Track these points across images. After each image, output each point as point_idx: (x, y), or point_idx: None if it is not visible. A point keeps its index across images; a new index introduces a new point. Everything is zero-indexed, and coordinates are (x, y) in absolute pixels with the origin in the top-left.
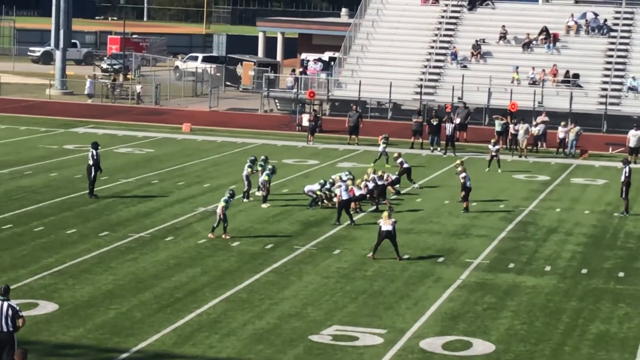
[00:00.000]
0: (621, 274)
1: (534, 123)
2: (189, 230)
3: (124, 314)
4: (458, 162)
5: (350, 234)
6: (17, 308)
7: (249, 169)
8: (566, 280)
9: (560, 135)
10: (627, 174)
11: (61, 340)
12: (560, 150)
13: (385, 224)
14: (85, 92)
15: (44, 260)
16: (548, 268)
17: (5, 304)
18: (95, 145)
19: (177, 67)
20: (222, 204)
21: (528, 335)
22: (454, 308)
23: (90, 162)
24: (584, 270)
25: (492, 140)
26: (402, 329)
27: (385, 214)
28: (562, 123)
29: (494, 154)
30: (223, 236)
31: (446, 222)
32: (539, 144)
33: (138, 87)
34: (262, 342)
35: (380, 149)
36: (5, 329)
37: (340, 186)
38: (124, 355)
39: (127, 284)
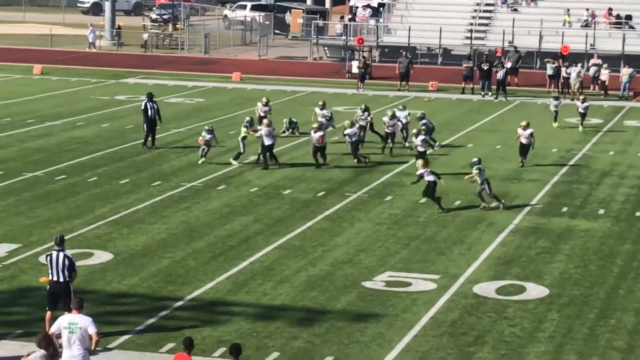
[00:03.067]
0: None
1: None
2: (241, 179)
3: (178, 262)
4: (419, 162)
5: (402, 181)
6: (73, 259)
7: (244, 129)
8: (620, 223)
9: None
10: None
11: (116, 289)
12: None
13: (428, 175)
14: (89, 41)
15: (98, 210)
16: (602, 211)
17: (61, 254)
18: (150, 96)
19: (225, 16)
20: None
21: (582, 279)
22: (507, 253)
23: (150, 115)
24: (638, 213)
25: (581, 98)
26: (455, 274)
27: (420, 161)
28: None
29: (582, 111)
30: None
31: (498, 167)
32: (591, 87)
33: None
34: (315, 289)
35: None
36: (61, 279)
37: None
38: (179, 303)
39: (180, 233)
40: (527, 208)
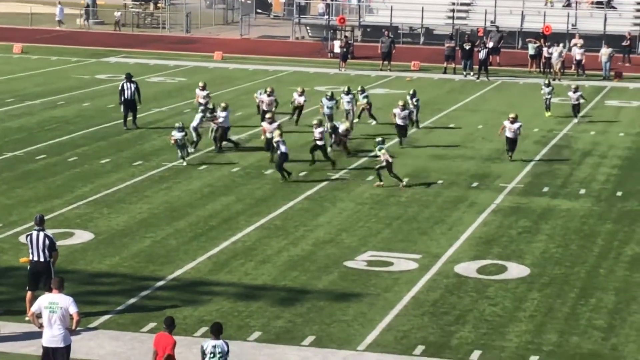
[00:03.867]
0: None
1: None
2: (223, 158)
3: (159, 242)
4: (276, 132)
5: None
6: (54, 239)
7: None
8: (601, 203)
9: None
10: None
11: (97, 268)
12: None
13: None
14: (56, 19)
15: (78, 190)
16: (583, 191)
17: (42, 234)
18: (129, 77)
19: None
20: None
21: (563, 259)
22: (489, 232)
23: (127, 95)
24: (619, 193)
25: (573, 87)
26: (437, 254)
27: (277, 131)
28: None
29: (575, 102)
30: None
31: (480, 147)
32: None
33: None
34: (297, 268)
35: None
36: (42, 259)
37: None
38: (160, 283)
39: (161, 212)
40: (509, 188)
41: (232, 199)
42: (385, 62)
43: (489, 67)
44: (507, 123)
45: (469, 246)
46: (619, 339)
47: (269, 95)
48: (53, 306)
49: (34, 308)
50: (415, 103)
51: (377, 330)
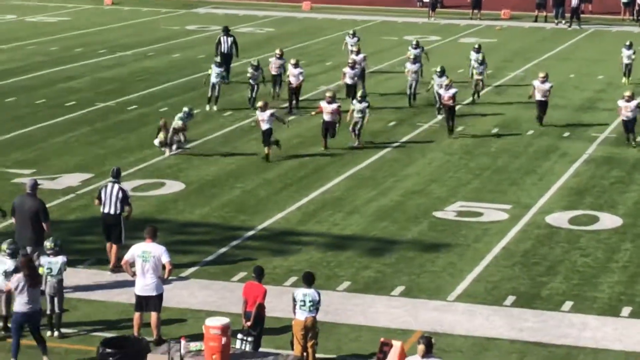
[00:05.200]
0: None
1: None
2: (313, 109)
3: (249, 192)
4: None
5: (473, 111)
6: (127, 192)
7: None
8: None
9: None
10: None
11: (188, 218)
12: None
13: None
14: None
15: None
16: None
17: (116, 186)
18: (226, 30)
19: None
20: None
21: None
22: (581, 183)
23: (223, 49)
24: None
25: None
26: (528, 205)
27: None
28: None
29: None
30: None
31: (572, 96)
32: None
33: None
34: (386, 219)
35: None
36: (112, 211)
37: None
38: (250, 232)
39: (251, 163)
40: (601, 137)
41: (321, 150)
42: (475, 11)
43: (581, 15)
44: (536, 83)
45: (561, 196)
46: None
47: (352, 68)
48: (146, 255)
49: (127, 256)
50: (479, 60)
51: (467, 281)
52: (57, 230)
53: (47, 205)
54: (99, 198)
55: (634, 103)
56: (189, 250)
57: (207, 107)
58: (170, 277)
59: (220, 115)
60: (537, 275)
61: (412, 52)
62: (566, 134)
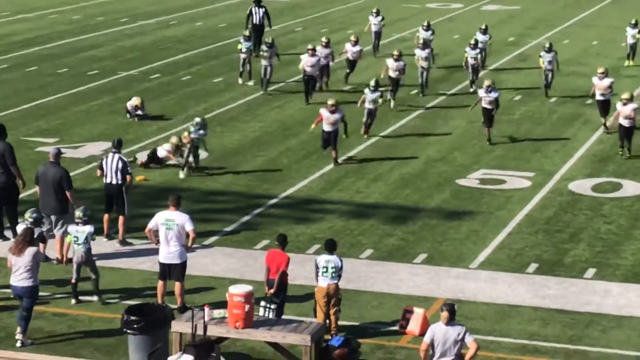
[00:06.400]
0: None
1: None
2: (334, 77)
3: (272, 160)
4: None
5: (498, 78)
6: (127, 162)
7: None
8: None
9: None
10: None
11: (211, 187)
12: None
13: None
14: None
15: (192, 109)
16: None
17: (116, 156)
18: (257, 1)
19: None
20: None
21: None
22: (604, 150)
23: (255, 20)
24: None
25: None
26: (551, 172)
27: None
28: None
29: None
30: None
31: (594, 64)
32: None
33: None
34: (409, 186)
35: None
36: (114, 181)
37: None
38: (273, 201)
39: (274, 131)
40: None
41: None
42: None
43: None
44: (619, 106)
45: (584, 164)
46: None
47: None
48: (169, 223)
49: (151, 224)
50: (482, 41)
51: (489, 248)
52: (80, 199)
53: (70, 174)
54: (101, 168)
55: (630, 107)
56: (212, 219)
57: (240, 81)
58: (193, 245)
59: (243, 84)
60: (560, 243)
61: (421, 35)
62: (589, 102)
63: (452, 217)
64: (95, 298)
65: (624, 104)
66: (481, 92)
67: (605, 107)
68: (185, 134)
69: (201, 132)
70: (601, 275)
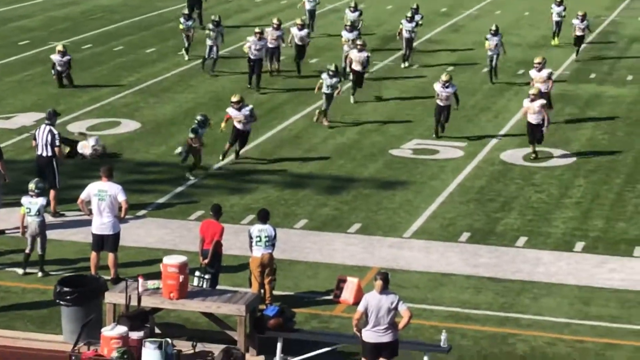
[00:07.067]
0: None
1: None
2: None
3: (206, 135)
4: None
5: (428, 47)
6: (57, 135)
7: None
8: None
9: None
10: None
11: (144, 157)
12: None
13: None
14: None
15: (124, 79)
16: (630, 77)
17: (47, 128)
18: None
19: None
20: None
21: (609, 145)
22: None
23: None
24: None
25: (580, 14)
26: (483, 142)
27: None
28: None
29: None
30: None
31: (526, 34)
32: None
33: None
34: (343, 157)
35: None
36: (44, 153)
37: None
38: (207, 171)
39: (207, 102)
40: (555, 75)
41: (277, 88)
42: None
43: None
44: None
45: (515, 134)
46: None
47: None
48: (102, 194)
49: (83, 195)
50: (414, 22)
51: (422, 218)
52: (12, 170)
53: (2, 145)
54: (35, 139)
55: (539, 102)
56: (145, 190)
57: (186, 57)
58: (127, 216)
59: (175, 54)
60: (492, 212)
61: (348, 17)
62: (521, 71)
63: (385, 187)
64: (40, 273)
65: (532, 100)
66: (438, 87)
67: (534, 131)
68: (192, 136)
69: (205, 129)
70: (532, 243)
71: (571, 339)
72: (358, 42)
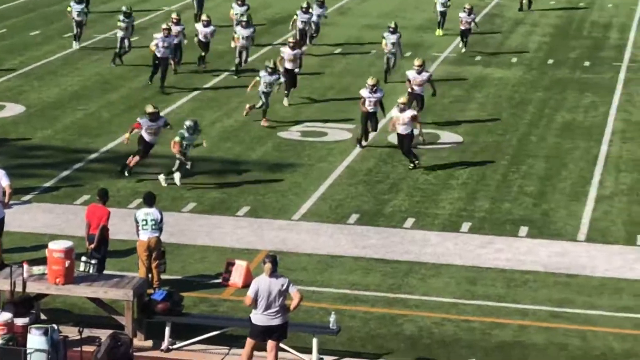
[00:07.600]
0: (587, 64)
1: None
2: (154, 31)
3: (92, 114)
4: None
5: (324, 30)
6: None
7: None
8: (532, 72)
9: None
10: None
11: (30, 142)
12: None
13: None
14: None
15: (8, 62)
16: (514, 60)
17: None
18: None
19: None
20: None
21: (495, 126)
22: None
23: None
24: (550, 61)
25: (467, 7)
26: None
27: None
28: None
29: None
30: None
31: (412, 16)
32: None
33: None
34: (231, 139)
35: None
36: None
37: None
38: (93, 155)
39: (93, 85)
40: (442, 57)
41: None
42: None
43: None
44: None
45: None
46: (550, 204)
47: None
48: None
49: None
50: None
51: (311, 200)
52: None
53: None
54: None
55: (409, 113)
56: (30, 174)
57: (75, 45)
58: (11, 201)
59: (61, 37)
60: (380, 193)
61: (237, 11)
62: (408, 54)
63: (274, 170)
64: None
65: (401, 110)
66: (364, 92)
67: (403, 141)
68: (177, 139)
69: (194, 135)
70: (420, 224)
71: (458, 319)
72: (290, 40)
